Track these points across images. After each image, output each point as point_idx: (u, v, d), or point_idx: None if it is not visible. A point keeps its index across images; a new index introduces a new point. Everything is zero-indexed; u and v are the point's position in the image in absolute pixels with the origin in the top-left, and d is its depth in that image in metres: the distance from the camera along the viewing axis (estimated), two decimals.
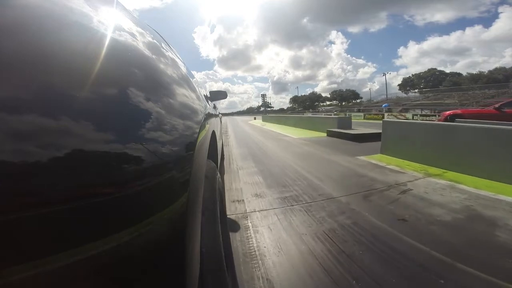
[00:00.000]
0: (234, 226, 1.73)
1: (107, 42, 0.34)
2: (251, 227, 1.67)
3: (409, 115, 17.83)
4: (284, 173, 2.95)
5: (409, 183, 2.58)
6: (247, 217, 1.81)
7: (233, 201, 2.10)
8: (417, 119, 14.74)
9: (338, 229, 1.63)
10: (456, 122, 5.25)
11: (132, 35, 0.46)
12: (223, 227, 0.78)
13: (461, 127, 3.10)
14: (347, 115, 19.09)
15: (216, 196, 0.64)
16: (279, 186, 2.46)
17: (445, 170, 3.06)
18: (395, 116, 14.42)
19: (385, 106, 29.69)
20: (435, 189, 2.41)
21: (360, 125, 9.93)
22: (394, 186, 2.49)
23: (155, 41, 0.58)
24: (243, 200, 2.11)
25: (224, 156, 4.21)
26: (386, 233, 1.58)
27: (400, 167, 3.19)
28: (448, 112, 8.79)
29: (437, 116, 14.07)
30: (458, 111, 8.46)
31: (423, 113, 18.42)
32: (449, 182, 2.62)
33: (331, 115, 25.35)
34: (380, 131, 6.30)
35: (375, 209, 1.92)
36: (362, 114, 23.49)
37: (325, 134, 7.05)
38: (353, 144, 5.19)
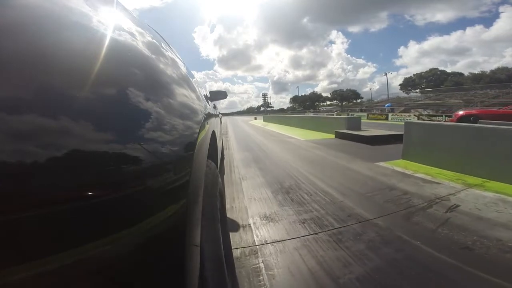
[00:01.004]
0: (234, 226, 1.48)
1: (107, 42, 0.34)
2: (263, 270, 1.19)
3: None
4: (297, 185, 2.46)
5: (452, 197, 2.12)
6: (256, 253, 1.33)
7: (237, 227, 1.61)
8: (424, 119, 14.24)
9: (388, 269, 1.17)
10: (481, 123, 4.78)
11: (132, 35, 0.46)
12: (223, 227, 0.78)
13: (504, 130, 2.62)
14: (350, 115, 18.62)
15: (216, 196, 0.63)
16: (293, 203, 1.97)
17: (485, 180, 2.60)
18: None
19: (387, 106, 29.18)
20: (486, 204, 1.96)
21: (365, 125, 9.42)
22: (435, 201, 2.02)
23: (155, 41, 0.58)
24: (249, 226, 1.62)
25: (224, 157, 3.82)
26: (456, 270, 1.16)
27: (431, 176, 2.72)
28: (461, 112, 8.35)
29: (444, 116, 13.63)
30: (473, 111, 8.01)
31: (427, 113, 17.91)
32: (497, 195, 2.17)
33: (333, 115, 24.91)
34: (394, 132, 5.97)
35: (426, 235, 1.49)
36: (365, 114, 22.91)
37: (333, 136, 6.56)
38: (366, 148, 4.71)
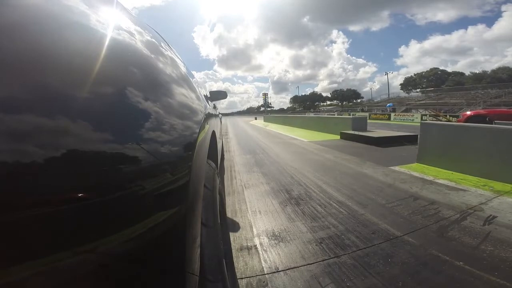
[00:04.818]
0: (238, 248, 1.34)
1: (106, 42, 0.34)
2: None
3: (417, 115, 17.04)
4: (308, 193, 2.18)
5: (485, 206, 1.87)
6: (266, 285, 1.07)
7: (241, 249, 1.34)
8: (426, 119, 13.92)
9: None
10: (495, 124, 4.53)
11: (132, 35, 0.46)
12: (223, 227, 0.77)
13: None
14: (352, 115, 18.32)
15: (216, 196, 0.63)
16: (306, 217, 1.70)
17: None
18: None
19: (389, 106, 28.86)
20: None
21: (369, 125, 9.11)
22: (467, 212, 1.77)
23: (154, 40, 0.58)
24: (255, 247, 1.35)
25: (224, 158, 3.64)
26: None
27: (454, 182, 2.46)
28: (469, 112, 8.05)
29: (448, 116, 13.34)
30: (482, 112, 7.70)
31: (431, 113, 17.59)
32: None
33: (334, 114, 24.63)
34: (403, 133, 5.70)
35: (468, 253, 1.27)
36: (367, 114, 22.58)
37: (337, 137, 6.29)
38: (375, 150, 4.44)
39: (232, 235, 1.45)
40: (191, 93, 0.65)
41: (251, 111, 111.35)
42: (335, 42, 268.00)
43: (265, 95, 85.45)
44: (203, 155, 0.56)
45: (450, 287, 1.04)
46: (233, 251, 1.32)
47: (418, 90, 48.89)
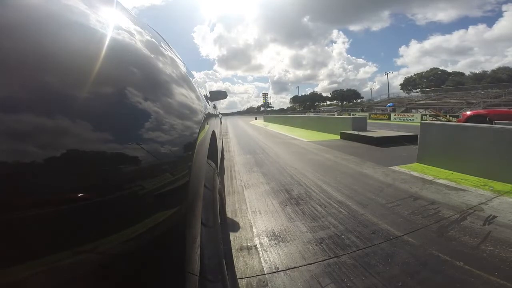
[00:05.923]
0: (238, 248, 1.34)
1: (106, 42, 0.34)
2: None
3: (417, 115, 17.06)
4: (308, 193, 2.19)
5: (485, 206, 1.87)
6: (266, 285, 1.07)
7: (241, 249, 1.34)
8: (426, 119, 13.93)
9: None
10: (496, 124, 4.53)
11: (132, 35, 0.46)
12: (223, 227, 0.77)
13: None
14: (352, 115, 18.32)
15: (216, 196, 0.63)
16: (306, 217, 1.70)
17: None
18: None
19: (389, 106, 28.87)
20: None
21: (369, 125, 9.12)
22: (467, 212, 1.77)
23: (154, 40, 0.58)
24: (255, 247, 1.35)
25: (224, 158, 3.64)
26: None
27: (454, 182, 2.46)
28: (469, 112, 8.06)
29: (448, 116, 13.35)
30: (482, 112, 7.70)
31: (431, 113, 17.59)
32: None
33: (334, 114, 24.64)
34: (403, 133, 5.71)
35: (468, 253, 1.27)
36: (367, 114, 22.56)
37: (337, 137, 6.29)
38: (375, 150, 4.44)
39: (232, 235, 1.46)
40: (191, 93, 0.65)
41: (251, 111, 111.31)
42: (335, 42, 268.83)
43: (265, 95, 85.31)
44: (203, 155, 0.56)
45: (450, 287, 1.04)
46: (233, 251, 1.32)
47: (418, 90, 48.90)
